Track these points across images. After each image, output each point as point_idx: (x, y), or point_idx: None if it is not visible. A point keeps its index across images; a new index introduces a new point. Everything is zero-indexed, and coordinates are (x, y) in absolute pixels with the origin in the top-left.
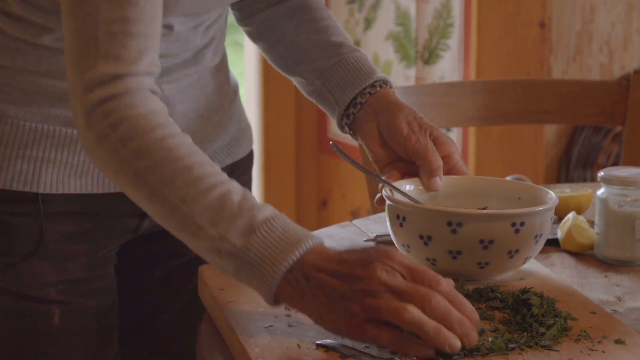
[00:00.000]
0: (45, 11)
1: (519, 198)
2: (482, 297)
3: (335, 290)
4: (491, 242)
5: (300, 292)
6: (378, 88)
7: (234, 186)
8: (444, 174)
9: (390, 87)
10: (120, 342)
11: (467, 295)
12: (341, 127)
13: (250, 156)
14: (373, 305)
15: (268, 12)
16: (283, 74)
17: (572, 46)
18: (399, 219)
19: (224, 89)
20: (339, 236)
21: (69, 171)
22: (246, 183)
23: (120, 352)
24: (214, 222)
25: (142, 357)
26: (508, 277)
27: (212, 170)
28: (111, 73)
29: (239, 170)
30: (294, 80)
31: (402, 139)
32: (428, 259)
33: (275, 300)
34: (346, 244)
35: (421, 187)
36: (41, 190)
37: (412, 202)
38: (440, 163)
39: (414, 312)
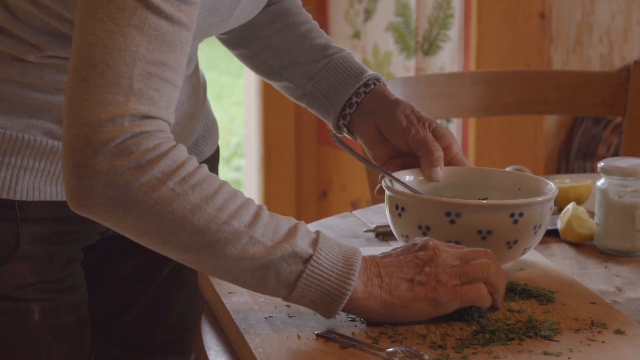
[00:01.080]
0: (36, 30)
1: (519, 189)
2: None
3: (414, 274)
4: (489, 232)
5: (377, 289)
6: (372, 86)
7: (264, 206)
8: (444, 165)
9: (383, 83)
10: (92, 340)
11: None
12: (338, 129)
13: (216, 154)
14: (465, 269)
15: (252, 20)
16: (266, 80)
17: (572, 37)
18: (397, 209)
19: (197, 93)
20: (338, 227)
21: (45, 178)
22: None
23: (92, 350)
24: (275, 236)
25: (112, 353)
26: (508, 268)
27: (242, 194)
28: (144, 112)
29: (208, 165)
30: (279, 86)
31: (402, 132)
32: None
33: (339, 306)
34: (346, 234)
35: (421, 178)
36: (18, 197)
37: (410, 193)
38: (441, 153)
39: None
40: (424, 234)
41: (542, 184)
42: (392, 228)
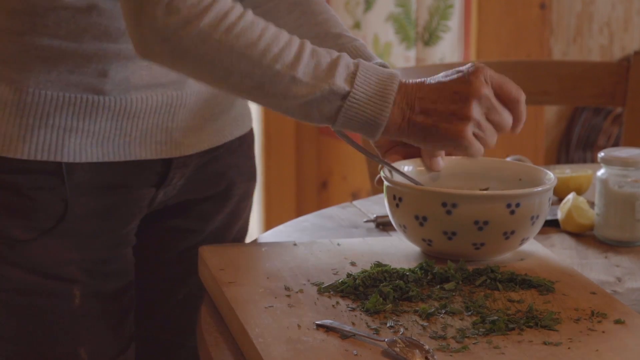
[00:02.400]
0: None
1: (520, 179)
2: (481, 277)
3: (440, 113)
4: (486, 223)
5: (408, 119)
6: None
7: (308, 42)
8: (445, 154)
9: None
10: (135, 323)
11: (467, 277)
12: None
13: (252, 132)
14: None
15: (267, 6)
16: None
17: (573, 27)
18: (395, 199)
19: None
20: (339, 217)
21: (90, 139)
22: (252, 157)
23: (135, 334)
24: (316, 75)
25: (157, 337)
26: (508, 258)
27: (286, 33)
28: None
29: (246, 144)
30: None
31: None
32: (424, 240)
33: (379, 132)
34: (346, 224)
35: (421, 168)
36: (64, 160)
37: (408, 183)
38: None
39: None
40: (421, 225)
41: (542, 174)
42: (390, 218)
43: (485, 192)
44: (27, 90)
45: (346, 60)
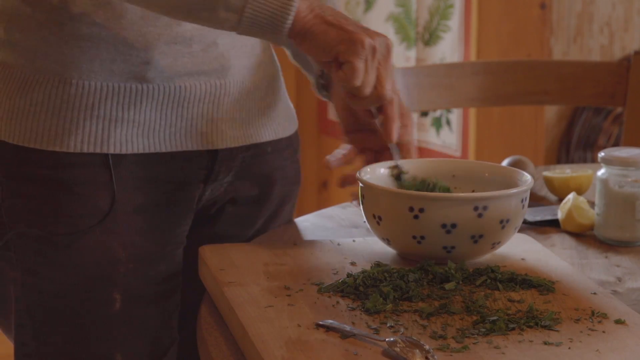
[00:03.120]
0: None
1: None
2: (482, 276)
3: (344, 24)
4: (454, 226)
5: (315, 15)
6: None
7: None
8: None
9: None
10: (179, 328)
11: (467, 277)
12: (318, 89)
13: (297, 135)
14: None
15: None
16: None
17: (573, 27)
18: (364, 198)
19: (269, 54)
20: (339, 217)
21: (136, 130)
22: (297, 161)
23: (179, 337)
24: None
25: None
26: (508, 258)
27: None
28: None
29: (292, 147)
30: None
31: None
32: (384, 239)
33: (286, 26)
34: (347, 224)
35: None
36: (111, 151)
37: (372, 183)
38: (396, 113)
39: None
40: (378, 224)
41: (519, 176)
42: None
43: (452, 194)
44: (71, 81)
45: None
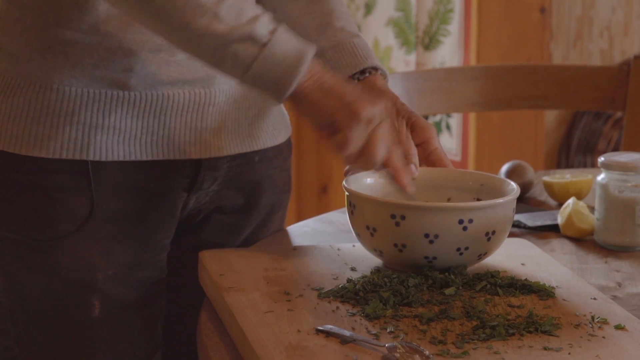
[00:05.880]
0: None
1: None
2: (482, 282)
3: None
4: (436, 236)
5: (319, 84)
6: (367, 75)
7: None
8: (421, 159)
9: (382, 73)
10: (166, 334)
11: (467, 282)
12: None
13: (289, 143)
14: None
15: None
16: None
17: (573, 31)
18: (351, 206)
19: None
20: (339, 222)
21: (117, 137)
22: (287, 169)
23: (164, 344)
24: (238, 18)
25: (184, 349)
26: (508, 263)
27: None
28: None
29: (282, 155)
30: None
31: None
32: (375, 250)
33: (288, 91)
34: (346, 229)
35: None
36: (91, 158)
37: (359, 192)
38: (414, 150)
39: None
40: (372, 235)
41: (504, 185)
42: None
43: (434, 203)
44: (52, 87)
45: (269, 17)
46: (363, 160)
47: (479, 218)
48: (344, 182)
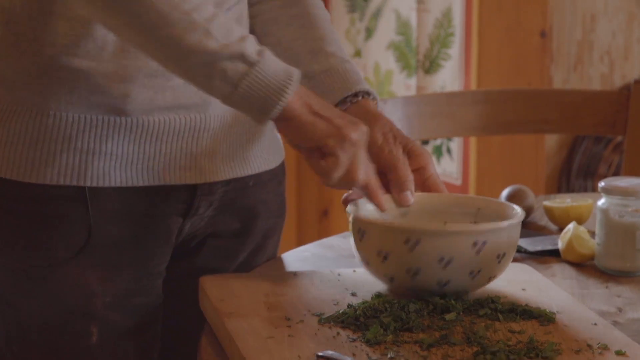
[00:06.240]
0: None
1: (494, 215)
2: (482, 307)
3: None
4: (450, 260)
5: (308, 107)
6: (360, 98)
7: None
8: (417, 185)
9: (374, 98)
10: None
11: (467, 308)
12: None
13: (283, 167)
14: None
15: (266, 16)
16: None
17: (573, 55)
18: (359, 233)
19: None
20: (339, 247)
21: (114, 163)
22: (281, 193)
23: None
24: (228, 36)
25: None
26: (509, 288)
27: None
28: None
29: (277, 179)
30: None
31: (376, 149)
32: (385, 276)
33: (275, 112)
34: (347, 254)
35: (391, 204)
36: (88, 184)
37: (370, 217)
38: (411, 177)
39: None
40: (383, 261)
41: (502, 207)
42: (354, 252)
43: (448, 228)
44: (49, 113)
45: (254, 38)
46: (344, 182)
47: (492, 240)
48: (348, 209)
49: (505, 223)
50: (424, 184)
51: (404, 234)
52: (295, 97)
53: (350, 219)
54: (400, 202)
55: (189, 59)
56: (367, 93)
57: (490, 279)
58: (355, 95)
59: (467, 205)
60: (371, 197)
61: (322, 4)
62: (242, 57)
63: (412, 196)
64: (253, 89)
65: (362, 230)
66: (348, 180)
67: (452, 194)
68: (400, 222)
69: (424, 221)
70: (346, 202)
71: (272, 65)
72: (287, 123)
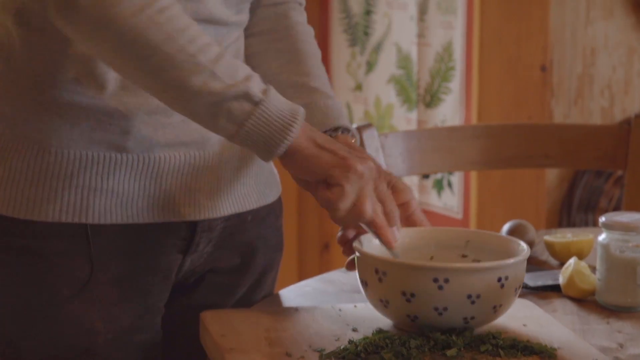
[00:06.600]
0: None
1: (490, 249)
2: (484, 343)
3: (336, 150)
4: (478, 296)
5: (314, 139)
6: (339, 133)
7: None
8: (402, 220)
9: (353, 135)
10: None
11: (468, 344)
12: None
13: (280, 201)
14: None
15: (254, 49)
16: None
17: (573, 89)
18: (378, 273)
19: None
20: (340, 282)
21: (115, 200)
22: (279, 228)
23: None
24: (233, 76)
25: None
26: (510, 324)
27: (207, 35)
28: None
29: (274, 214)
30: None
31: None
32: (409, 316)
33: (280, 150)
34: (348, 289)
35: (376, 242)
36: (90, 221)
37: (393, 257)
38: (397, 212)
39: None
40: (409, 301)
41: (515, 245)
42: (365, 292)
43: (478, 264)
44: (50, 150)
45: (259, 77)
46: (351, 217)
47: (512, 274)
48: (360, 251)
49: (522, 257)
50: (409, 219)
51: (433, 273)
52: (300, 133)
53: (362, 258)
54: (387, 246)
55: (195, 101)
56: (347, 129)
57: (504, 311)
58: (335, 130)
59: (456, 239)
60: (380, 234)
61: (313, 40)
62: (247, 97)
63: (398, 231)
64: (258, 128)
65: (381, 271)
66: (355, 214)
67: (439, 228)
68: (426, 263)
69: (406, 257)
70: (343, 240)
71: (277, 103)
72: (291, 158)
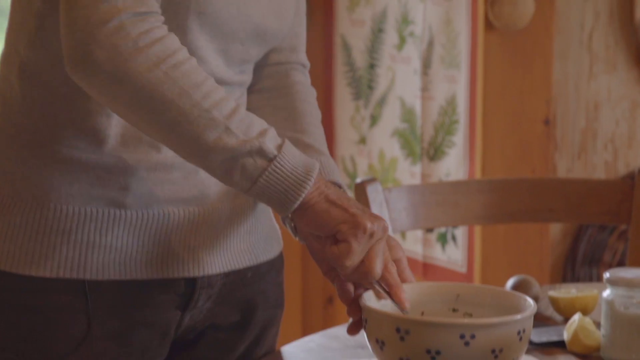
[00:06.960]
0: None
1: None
2: None
3: (348, 207)
4: (501, 350)
5: (326, 195)
6: None
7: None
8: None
9: (344, 192)
10: None
11: None
12: (283, 220)
13: (281, 257)
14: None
15: (254, 105)
16: None
17: (577, 143)
18: (400, 332)
19: None
20: (344, 337)
21: (113, 256)
22: (280, 284)
23: None
24: (248, 132)
25: None
26: None
27: (222, 90)
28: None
29: (275, 269)
30: None
31: None
32: None
33: (294, 205)
34: (352, 345)
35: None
36: (87, 277)
37: (416, 316)
38: (394, 269)
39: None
40: (433, 359)
41: (482, 292)
42: (381, 353)
43: (501, 318)
44: (49, 205)
45: (274, 131)
46: (359, 274)
47: (528, 328)
48: (375, 311)
49: (533, 310)
50: (400, 275)
51: (459, 330)
52: (313, 188)
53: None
54: (380, 295)
55: (210, 156)
56: (339, 186)
57: None
58: None
59: (446, 293)
60: (393, 293)
61: (313, 101)
62: (261, 153)
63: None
64: (272, 184)
65: (403, 330)
66: (363, 272)
67: (429, 282)
68: (452, 319)
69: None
70: (345, 297)
71: (292, 159)
72: (303, 213)
